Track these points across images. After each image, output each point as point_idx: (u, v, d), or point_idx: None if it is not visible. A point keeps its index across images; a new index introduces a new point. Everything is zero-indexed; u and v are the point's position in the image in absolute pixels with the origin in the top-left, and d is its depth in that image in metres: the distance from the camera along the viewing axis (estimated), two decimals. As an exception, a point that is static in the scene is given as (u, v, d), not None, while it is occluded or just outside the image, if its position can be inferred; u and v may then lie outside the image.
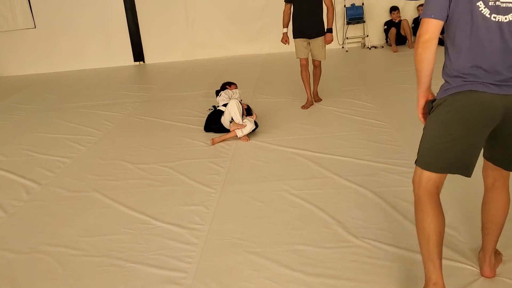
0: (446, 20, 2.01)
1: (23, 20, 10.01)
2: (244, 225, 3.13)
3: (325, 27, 5.52)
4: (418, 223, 2.15)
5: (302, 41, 5.54)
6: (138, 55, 10.16)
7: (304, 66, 5.64)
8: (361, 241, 2.81)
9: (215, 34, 9.85)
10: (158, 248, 2.96)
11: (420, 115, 2.24)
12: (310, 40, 5.51)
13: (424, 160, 2.11)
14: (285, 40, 5.63)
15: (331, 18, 5.45)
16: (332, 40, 5.52)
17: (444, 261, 2.54)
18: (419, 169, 2.13)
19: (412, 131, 4.51)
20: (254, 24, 9.71)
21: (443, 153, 2.06)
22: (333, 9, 5.49)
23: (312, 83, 5.81)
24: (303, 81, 5.71)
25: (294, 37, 5.57)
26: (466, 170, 2.09)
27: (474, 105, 2.00)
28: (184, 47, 9.98)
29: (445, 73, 2.08)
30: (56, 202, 3.76)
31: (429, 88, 2.16)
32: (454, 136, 2.03)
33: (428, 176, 2.10)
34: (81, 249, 3.03)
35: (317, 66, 5.69)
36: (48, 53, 10.16)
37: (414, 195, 2.17)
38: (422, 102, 2.20)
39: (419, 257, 2.59)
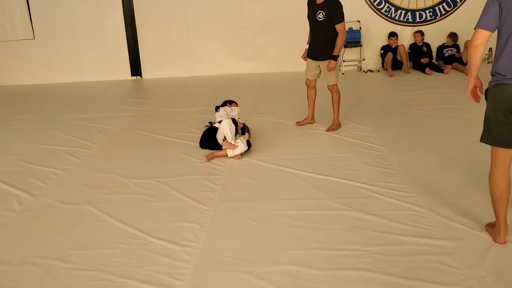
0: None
1: (23, 30, 10.03)
2: (238, 243, 3.12)
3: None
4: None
5: (311, 62, 5.54)
6: (136, 69, 10.20)
7: (308, 86, 5.69)
8: (353, 264, 2.81)
9: (214, 51, 9.92)
10: (150, 264, 2.94)
11: (469, 94, 3.01)
12: (320, 63, 5.45)
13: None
14: (304, 56, 5.62)
15: (338, 45, 5.22)
16: (333, 68, 5.29)
17: (436, 286, 2.56)
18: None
19: (407, 155, 4.55)
20: (252, 43, 9.79)
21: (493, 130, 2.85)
22: (344, 36, 5.24)
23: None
24: (307, 99, 5.77)
25: (307, 55, 5.58)
26: (504, 144, 2.81)
27: (503, 95, 2.74)
28: (182, 63, 10.04)
29: (491, 70, 2.83)
30: (48, 213, 3.74)
31: (476, 76, 2.95)
32: (493, 118, 2.82)
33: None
34: (72, 262, 3.00)
35: (330, 90, 5.54)
36: (46, 64, 10.17)
37: None
38: (471, 86, 2.98)
39: (412, 283, 2.60)
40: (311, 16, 5.38)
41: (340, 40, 5.23)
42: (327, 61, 5.36)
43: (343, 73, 9.37)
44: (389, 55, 9.06)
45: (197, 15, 9.78)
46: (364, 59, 9.57)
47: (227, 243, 3.13)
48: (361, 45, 9.55)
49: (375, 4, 9.53)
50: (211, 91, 8.17)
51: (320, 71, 5.58)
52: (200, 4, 9.73)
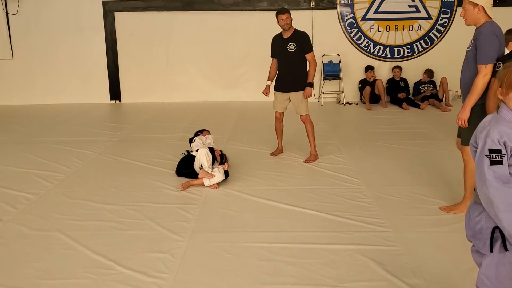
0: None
1: (1, 50, 9.92)
2: (211, 277, 3.05)
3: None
4: None
5: (280, 95, 5.65)
6: (115, 93, 10.14)
7: (277, 118, 5.79)
8: (328, 300, 2.77)
9: (194, 78, 9.96)
10: (119, 296, 2.85)
11: (466, 122, 3.65)
12: (290, 94, 5.57)
13: None
14: (266, 92, 5.73)
15: (311, 73, 5.45)
16: (310, 94, 5.49)
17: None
18: None
19: (382, 188, 4.57)
20: (234, 72, 9.87)
21: None
22: (315, 64, 5.49)
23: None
24: (275, 131, 5.87)
25: (274, 89, 5.70)
26: None
27: None
28: (162, 89, 10.03)
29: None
30: (16, 240, 3.62)
31: None
32: None
33: None
34: (38, 292, 2.90)
35: (303, 121, 5.63)
36: (24, 85, 10.05)
37: None
38: (469, 113, 3.65)
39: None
40: (281, 49, 5.54)
41: (312, 69, 5.48)
42: (298, 93, 5.50)
43: (322, 105, 9.47)
44: (367, 88, 9.21)
45: (179, 43, 9.85)
46: (343, 92, 9.70)
47: (200, 275, 3.07)
48: (340, 78, 9.70)
49: (354, 39, 9.73)
50: (190, 118, 8.15)
51: (287, 104, 5.69)
52: (182, 32, 9.81)
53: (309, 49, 5.46)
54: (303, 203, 4.25)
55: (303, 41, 5.45)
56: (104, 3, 9.75)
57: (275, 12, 5.51)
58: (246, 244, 3.49)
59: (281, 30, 5.52)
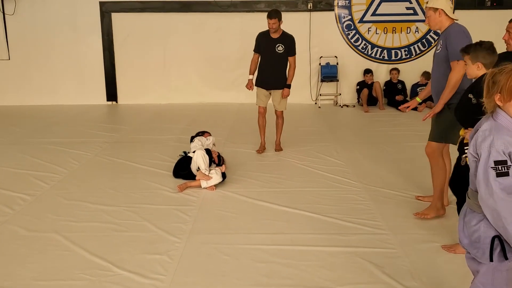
0: None
1: (-3, 50, 9.89)
2: (208, 279, 3.04)
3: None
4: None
5: (262, 90, 5.89)
6: (111, 94, 10.11)
7: (261, 113, 6.02)
8: (326, 302, 2.76)
9: (192, 79, 9.94)
10: (116, 297, 2.83)
11: (434, 115, 3.83)
12: (272, 91, 5.85)
13: None
14: (249, 86, 5.94)
15: (291, 75, 5.79)
16: (288, 95, 5.82)
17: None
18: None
19: (380, 191, 4.56)
20: (231, 73, 9.84)
21: None
22: (295, 67, 5.80)
23: (272, 132, 6.15)
24: (258, 127, 6.06)
25: (256, 85, 5.91)
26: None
27: None
28: (159, 90, 10.00)
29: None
30: (12, 241, 3.60)
31: None
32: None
33: None
34: (34, 294, 2.88)
35: (279, 116, 6.01)
36: (20, 86, 10.00)
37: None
38: (441, 108, 3.75)
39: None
40: (269, 48, 5.75)
41: (292, 71, 5.81)
42: (279, 91, 5.81)
43: (319, 107, 9.47)
44: (365, 91, 9.21)
45: (176, 44, 9.82)
46: (340, 94, 9.70)
47: (197, 277, 3.05)
48: (337, 80, 9.70)
49: (352, 41, 9.74)
50: (187, 119, 8.13)
51: (269, 98, 5.96)
52: (179, 33, 9.79)
53: (294, 52, 5.75)
54: (301, 205, 4.24)
55: (291, 44, 5.71)
56: (101, 4, 9.72)
57: (273, 14, 5.62)
58: (244, 246, 3.48)
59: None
